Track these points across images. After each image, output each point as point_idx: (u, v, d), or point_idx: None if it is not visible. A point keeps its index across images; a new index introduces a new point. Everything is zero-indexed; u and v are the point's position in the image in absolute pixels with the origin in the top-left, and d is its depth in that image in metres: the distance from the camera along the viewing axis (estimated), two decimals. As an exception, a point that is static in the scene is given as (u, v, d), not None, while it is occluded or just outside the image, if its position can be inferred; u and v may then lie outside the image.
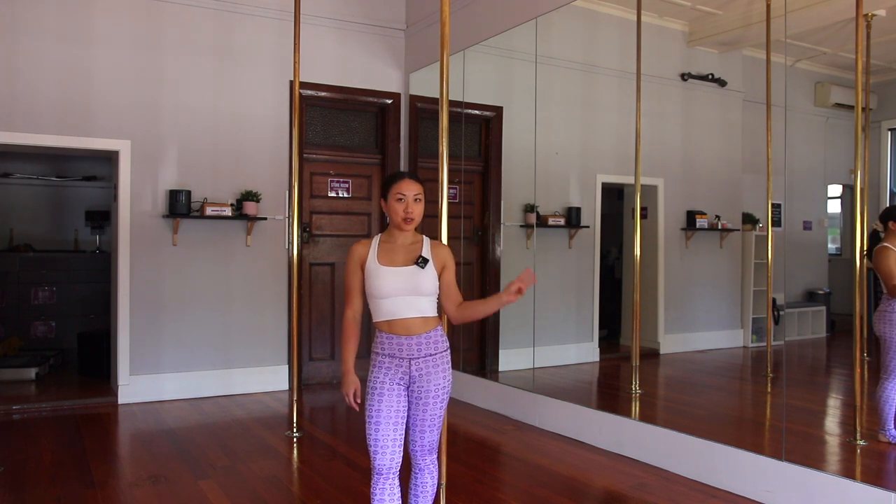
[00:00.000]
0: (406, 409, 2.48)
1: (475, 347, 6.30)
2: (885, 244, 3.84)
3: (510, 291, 2.40)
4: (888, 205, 4.49)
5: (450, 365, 2.53)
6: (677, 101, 6.13)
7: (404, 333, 2.44)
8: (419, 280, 2.44)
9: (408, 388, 2.47)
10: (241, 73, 5.86)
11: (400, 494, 2.50)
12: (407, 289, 2.43)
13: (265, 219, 5.89)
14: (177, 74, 5.63)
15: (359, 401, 2.49)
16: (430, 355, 2.46)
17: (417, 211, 2.49)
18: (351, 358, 2.52)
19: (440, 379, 2.48)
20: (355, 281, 2.52)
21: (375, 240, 2.55)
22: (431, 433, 2.51)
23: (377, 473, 2.44)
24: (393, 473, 2.45)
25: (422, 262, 2.45)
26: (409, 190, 2.48)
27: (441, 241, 3.07)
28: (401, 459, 2.47)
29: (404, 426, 2.48)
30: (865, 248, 3.88)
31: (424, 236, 2.58)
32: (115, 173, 5.58)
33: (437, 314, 2.53)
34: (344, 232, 6.41)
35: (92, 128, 5.35)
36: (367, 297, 2.51)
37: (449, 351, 2.54)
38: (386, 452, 2.42)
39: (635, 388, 4.90)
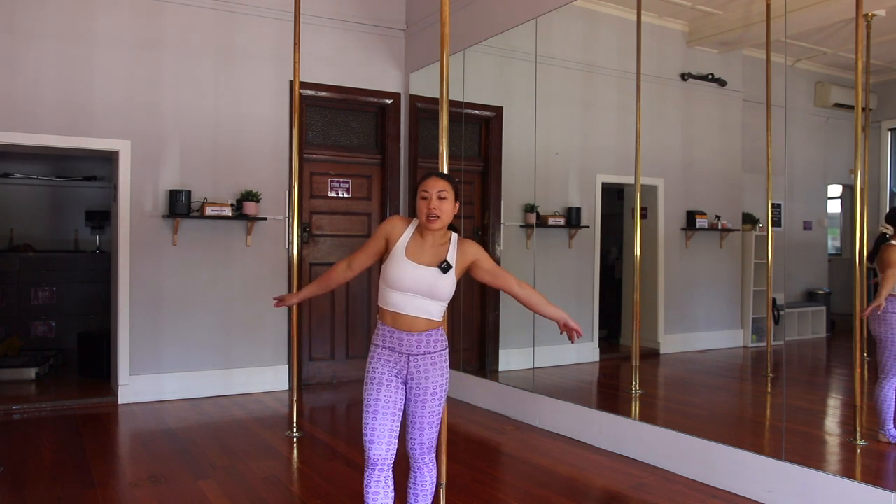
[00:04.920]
0: (403, 401, 2.47)
1: (475, 347, 6.29)
2: (894, 242, 3.82)
3: (570, 327, 2.52)
4: (890, 205, 4.48)
5: (447, 363, 2.52)
6: (677, 101, 6.12)
7: (406, 330, 2.44)
8: (438, 284, 2.41)
9: (405, 383, 2.47)
10: (241, 72, 5.86)
11: (394, 488, 2.48)
12: (423, 289, 2.41)
13: (265, 219, 5.89)
14: (177, 74, 5.63)
15: (277, 301, 2.76)
16: (429, 353, 2.46)
17: (443, 209, 2.40)
18: (309, 290, 2.70)
19: (438, 376, 2.48)
20: (373, 245, 2.51)
21: (413, 225, 2.49)
22: (430, 431, 2.51)
23: (371, 465, 2.43)
24: (388, 465, 2.44)
25: (445, 266, 2.41)
26: (433, 187, 2.41)
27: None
28: (395, 452, 2.45)
29: (400, 418, 2.47)
30: (869, 250, 3.87)
31: (454, 234, 2.51)
32: (115, 173, 5.57)
33: (442, 318, 2.51)
34: (344, 232, 6.41)
35: (92, 128, 5.35)
36: (381, 278, 2.47)
37: (447, 350, 2.54)
38: (382, 442, 2.41)
39: (635, 388, 4.90)
